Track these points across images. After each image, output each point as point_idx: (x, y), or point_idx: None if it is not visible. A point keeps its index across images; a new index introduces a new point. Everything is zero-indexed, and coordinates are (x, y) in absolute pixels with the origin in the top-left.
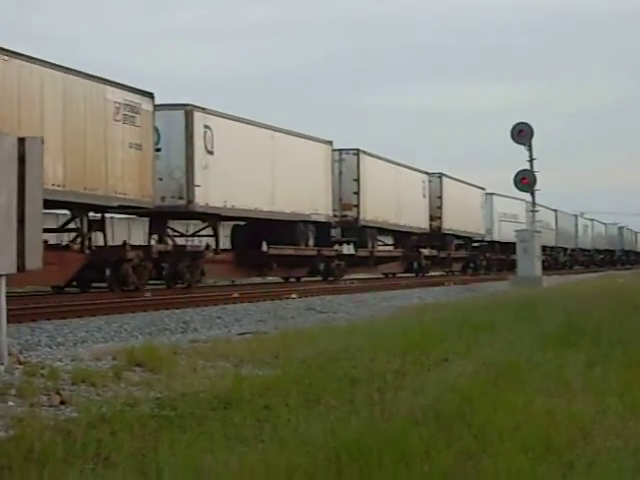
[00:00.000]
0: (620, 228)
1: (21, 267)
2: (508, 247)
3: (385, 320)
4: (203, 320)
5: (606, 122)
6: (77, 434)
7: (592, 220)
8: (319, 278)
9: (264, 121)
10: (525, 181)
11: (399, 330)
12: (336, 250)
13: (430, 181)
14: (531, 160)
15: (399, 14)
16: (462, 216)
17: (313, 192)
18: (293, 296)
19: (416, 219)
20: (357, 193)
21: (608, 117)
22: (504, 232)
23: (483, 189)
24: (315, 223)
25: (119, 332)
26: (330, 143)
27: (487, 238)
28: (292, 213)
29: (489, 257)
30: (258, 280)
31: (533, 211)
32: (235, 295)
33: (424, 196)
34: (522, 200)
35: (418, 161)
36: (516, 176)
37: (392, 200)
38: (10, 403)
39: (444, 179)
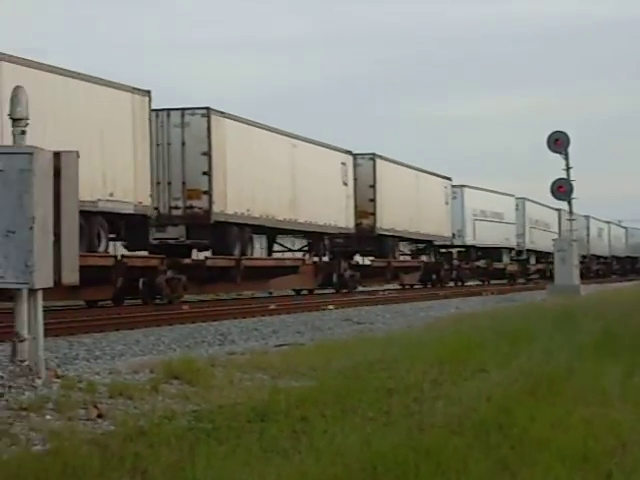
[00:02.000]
0: None
1: (57, 281)
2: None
3: (422, 330)
4: (240, 332)
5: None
6: (114, 447)
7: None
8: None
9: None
10: (562, 189)
11: (436, 340)
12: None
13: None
14: (568, 169)
15: (428, 25)
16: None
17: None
18: (330, 307)
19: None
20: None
21: None
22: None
23: (449, 179)
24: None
25: (157, 345)
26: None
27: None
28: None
29: (459, 266)
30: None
31: (571, 220)
32: (272, 307)
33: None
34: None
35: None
36: (553, 184)
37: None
38: (48, 417)
39: (378, 161)
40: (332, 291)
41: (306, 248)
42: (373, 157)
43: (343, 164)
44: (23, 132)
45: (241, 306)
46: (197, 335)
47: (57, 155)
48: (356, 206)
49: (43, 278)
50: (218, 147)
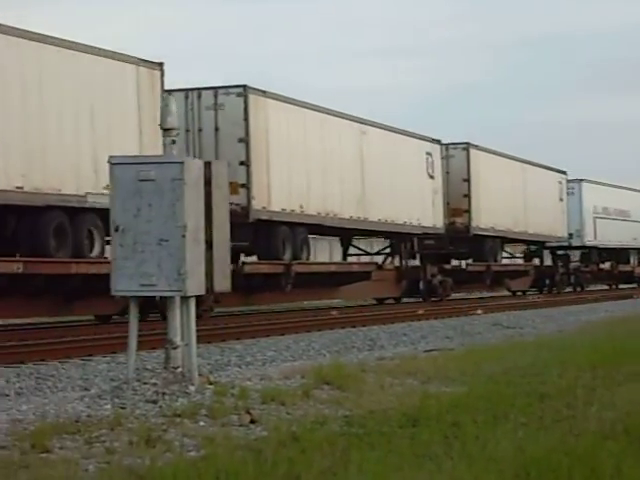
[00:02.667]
0: None
1: (210, 289)
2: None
3: (573, 334)
4: (389, 337)
5: None
6: (267, 453)
7: None
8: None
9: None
10: None
11: (588, 344)
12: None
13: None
14: None
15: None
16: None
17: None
18: (479, 312)
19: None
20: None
21: None
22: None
23: (564, 173)
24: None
25: (307, 350)
26: (438, 142)
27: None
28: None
29: (577, 269)
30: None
31: None
32: (420, 312)
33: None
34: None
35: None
36: None
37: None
38: (201, 423)
39: (472, 151)
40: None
41: (385, 250)
42: (467, 147)
43: (428, 154)
44: (173, 142)
45: (389, 311)
46: (346, 340)
47: (207, 164)
48: (448, 203)
49: (195, 286)
50: (258, 132)
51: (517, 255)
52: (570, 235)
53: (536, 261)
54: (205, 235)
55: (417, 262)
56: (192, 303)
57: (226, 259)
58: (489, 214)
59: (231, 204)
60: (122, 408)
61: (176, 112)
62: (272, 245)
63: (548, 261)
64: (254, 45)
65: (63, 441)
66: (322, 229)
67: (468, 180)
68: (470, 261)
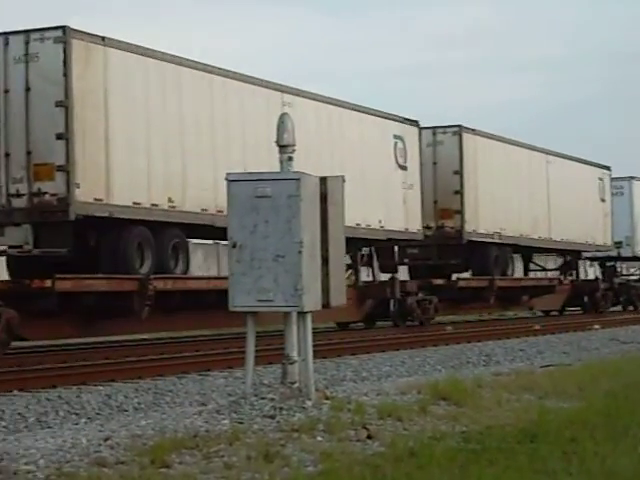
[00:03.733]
0: None
1: (326, 304)
2: None
3: None
4: (505, 353)
5: None
6: (385, 469)
7: None
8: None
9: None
10: None
11: None
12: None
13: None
14: None
15: None
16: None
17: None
18: (596, 327)
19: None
20: (460, 192)
21: None
22: None
23: (608, 169)
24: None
25: (422, 365)
26: (607, 168)
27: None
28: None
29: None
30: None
31: None
32: (536, 327)
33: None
34: None
35: None
36: None
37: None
38: (319, 438)
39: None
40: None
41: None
42: (459, 130)
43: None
44: (290, 158)
45: (504, 327)
46: (462, 356)
47: (323, 180)
48: (435, 202)
49: (312, 301)
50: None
51: (550, 268)
52: (618, 244)
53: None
54: (321, 251)
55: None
56: (309, 318)
57: (341, 274)
58: (492, 216)
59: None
60: (240, 423)
61: (292, 129)
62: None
63: (591, 274)
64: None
65: (182, 456)
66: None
67: (460, 172)
68: (466, 275)
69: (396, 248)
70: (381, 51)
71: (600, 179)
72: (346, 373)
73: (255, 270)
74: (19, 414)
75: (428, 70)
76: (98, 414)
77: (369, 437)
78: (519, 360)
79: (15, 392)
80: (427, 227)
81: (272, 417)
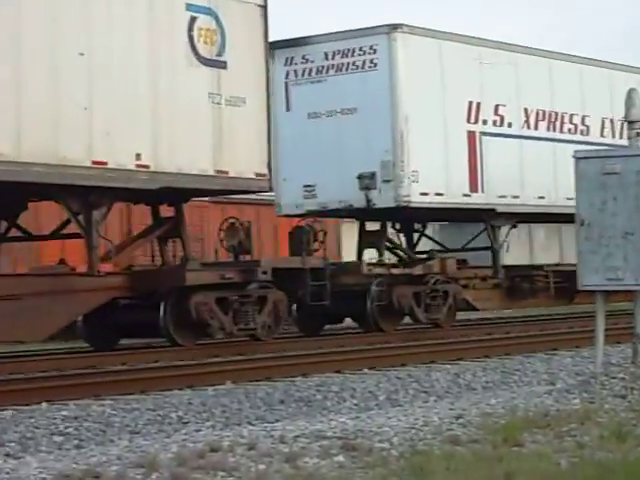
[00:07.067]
0: None
1: None
2: None
3: None
4: None
5: None
6: None
7: None
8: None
9: None
10: None
11: None
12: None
13: None
14: None
15: None
16: None
17: None
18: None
19: None
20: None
21: None
22: None
23: None
24: None
25: None
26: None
27: None
28: None
29: None
30: None
31: None
32: None
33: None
34: None
35: None
36: None
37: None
38: None
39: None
40: None
41: None
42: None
43: None
44: (638, 134)
45: None
46: None
47: None
48: None
49: None
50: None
51: None
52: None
53: None
54: None
55: None
56: None
57: None
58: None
59: None
60: (591, 403)
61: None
62: None
63: None
64: None
65: (534, 435)
66: None
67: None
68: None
69: None
70: None
71: None
72: None
73: (603, 248)
74: (370, 392)
75: None
76: (447, 392)
77: None
78: None
79: (365, 370)
80: None
81: (623, 397)
